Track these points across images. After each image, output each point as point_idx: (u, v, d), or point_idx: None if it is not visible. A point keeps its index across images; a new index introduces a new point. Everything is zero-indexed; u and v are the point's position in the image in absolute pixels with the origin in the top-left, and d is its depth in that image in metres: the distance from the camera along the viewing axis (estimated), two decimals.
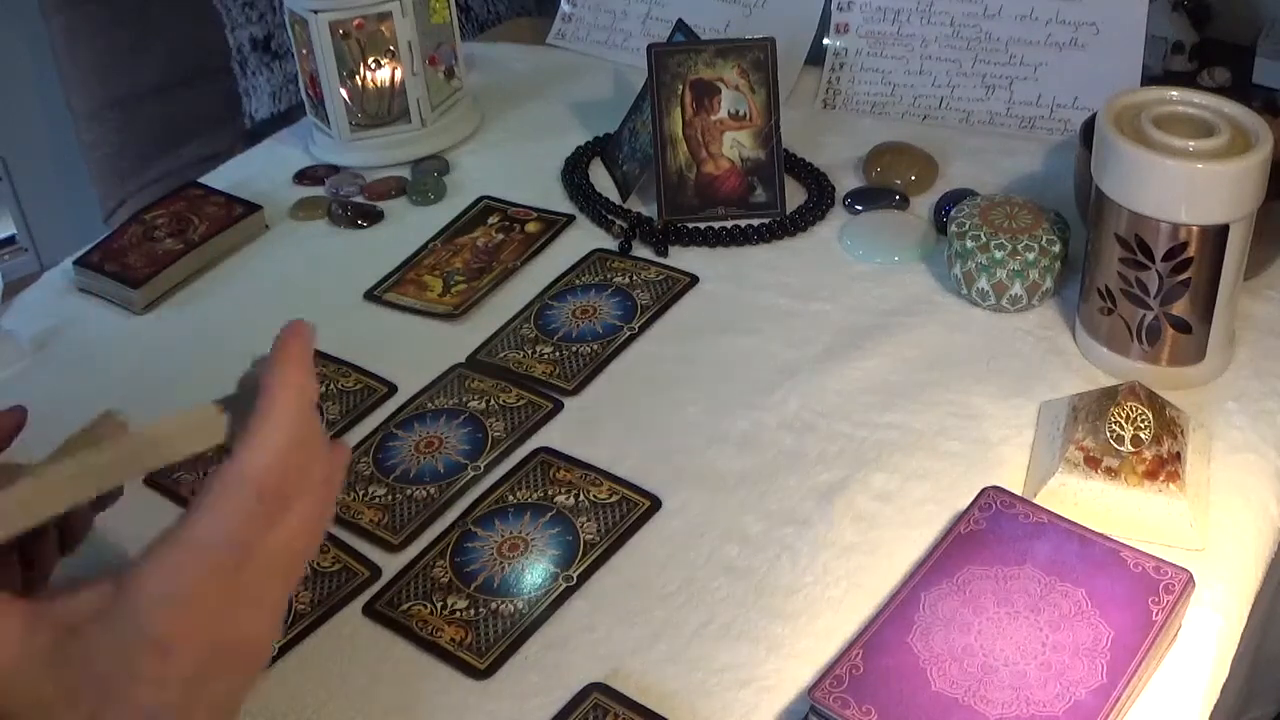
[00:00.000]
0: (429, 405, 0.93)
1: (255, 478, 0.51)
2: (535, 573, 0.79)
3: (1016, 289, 0.95)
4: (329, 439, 0.56)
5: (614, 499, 0.84)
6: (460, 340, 0.99)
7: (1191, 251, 0.83)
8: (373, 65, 1.20)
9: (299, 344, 0.54)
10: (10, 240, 1.92)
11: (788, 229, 1.08)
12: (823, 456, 0.86)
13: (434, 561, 0.81)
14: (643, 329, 0.99)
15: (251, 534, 0.51)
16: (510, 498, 0.85)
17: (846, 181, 1.14)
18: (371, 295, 1.06)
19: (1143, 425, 0.79)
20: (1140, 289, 0.86)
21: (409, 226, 1.15)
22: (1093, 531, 0.74)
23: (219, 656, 0.50)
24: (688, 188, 1.10)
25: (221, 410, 0.55)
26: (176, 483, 0.87)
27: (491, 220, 1.14)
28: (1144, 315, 0.87)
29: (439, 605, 0.78)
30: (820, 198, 1.11)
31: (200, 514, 0.50)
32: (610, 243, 1.09)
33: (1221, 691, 0.72)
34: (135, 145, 1.66)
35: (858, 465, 0.85)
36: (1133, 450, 0.78)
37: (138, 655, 0.48)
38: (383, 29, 1.18)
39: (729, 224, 1.09)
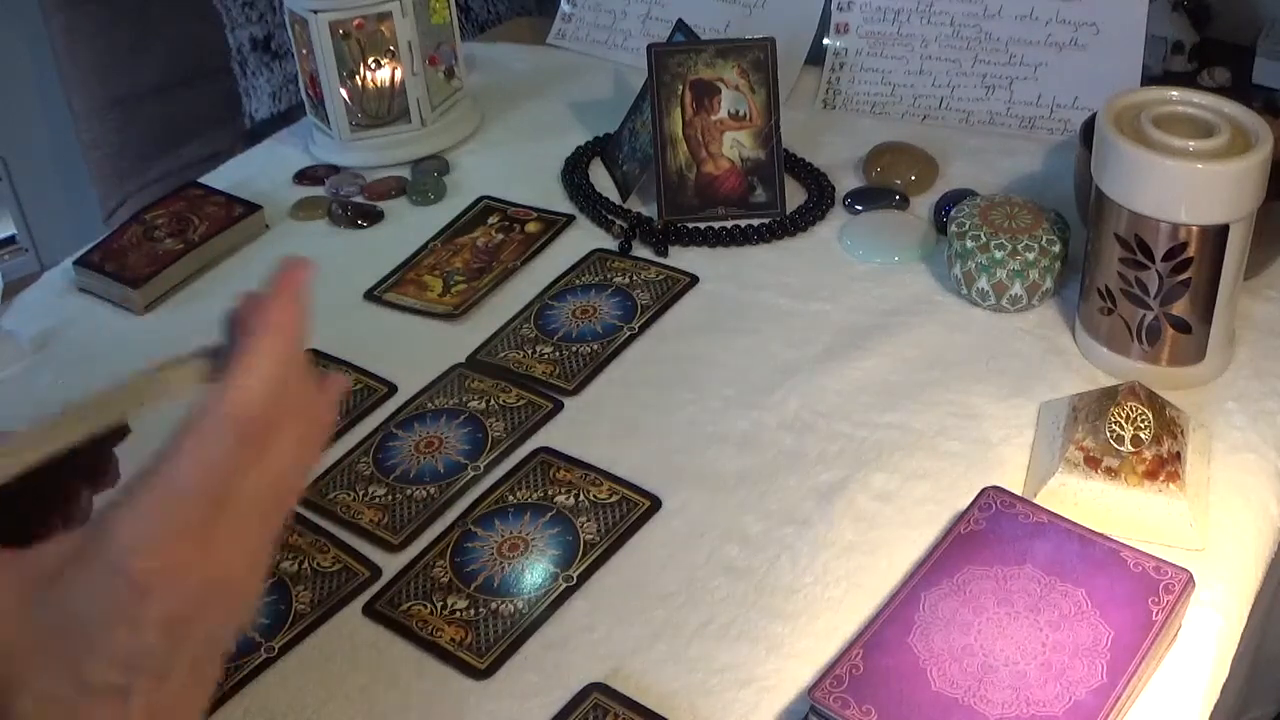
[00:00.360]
0: (429, 405, 0.93)
1: (234, 416, 0.50)
2: (535, 573, 0.79)
3: (1016, 289, 0.95)
4: (318, 375, 0.55)
5: (614, 499, 0.84)
6: (460, 340, 0.99)
7: (1191, 251, 0.83)
8: (373, 65, 1.20)
9: (290, 283, 0.54)
10: (10, 240, 1.92)
11: (788, 229, 1.08)
12: (823, 456, 0.86)
13: (434, 561, 0.81)
14: (643, 329, 0.99)
15: (230, 475, 0.50)
16: (510, 498, 0.85)
17: (846, 181, 1.14)
18: (371, 295, 1.06)
19: (1143, 425, 0.79)
20: (1140, 289, 0.86)
21: (409, 226, 1.15)
22: (1093, 531, 0.74)
23: (200, 599, 0.49)
24: (688, 188, 1.10)
25: (204, 358, 0.54)
26: None
27: (491, 220, 1.14)
28: (1144, 315, 0.87)
29: (439, 605, 0.78)
30: (820, 198, 1.11)
31: (179, 454, 0.49)
32: (610, 243, 1.09)
33: (1221, 691, 0.72)
34: (135, 145, 1.66)
35: (858, 465, 0.85)
36: (1133, 450, 0.78)
37: (115, 598, 0.47)
38: (383, 29, 1.18)
39: (729, 224, 1.08)
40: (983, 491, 0.77)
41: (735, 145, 1.10)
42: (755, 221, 1.09)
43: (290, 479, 0.53)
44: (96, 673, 0.47)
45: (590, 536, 0.81)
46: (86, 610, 0.47)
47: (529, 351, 0.97)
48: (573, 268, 1.06)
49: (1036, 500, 0.78)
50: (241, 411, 0.50)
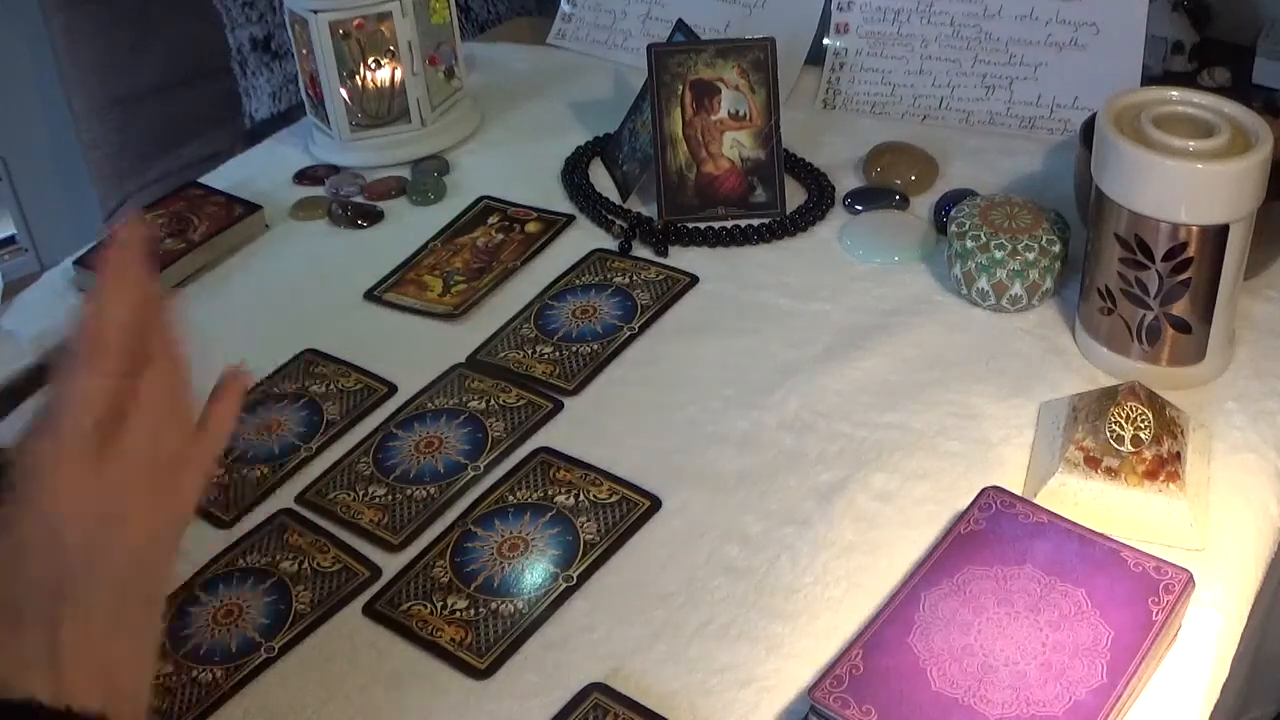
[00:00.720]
0: (429, 405, 0.93)
1: (90, 340, 0.55)
2: (535, 573, 0.79)
3: (1016, 289, 0.95)
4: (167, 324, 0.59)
5: (614, 499, 0.84)
6: (460, 340, 0.99)
7: (1191, 251, 0.83)
8: (373, 65, 1.20)
9: (120, 233, 0.58)
10: (10, 240, 1.92)
11: (788, 229, 1.08)
12: (823, 456, 0.86)
13: (434, 561, 0.81)
14: (643, 329, 0.99)
15: (101, 395, 0.55)
16: (510, 498, 0.85)
17: (846, 181, 1.14)
18: (371, 295, 1.06)
19: (1143, 425, 0.79)
20: (1140, 289, 0.86)
21: (409, 226, 1.15)
22: (1093, 531, 0.74)
23: (106, 530, 0.54)
24: (688, 188, 1.10)
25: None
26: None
27: (491, 220, 1.14)
28: (1144, 315, 0.87)
29: (439, 605, 0.78)
30: (820, 198, 1.11)
31: (55, 398, 0.55)
32: (610, 243, 1.09)
33: (1221, 691, 0.72)
34: (135, 145, 1.66)
35: (858, 465, 0.85)
36: (1133, 450, 0.78)
37: (30, 534, 0.53)
38: (383, 29, 1.18)
39: (729, 224, 1.09)
40: (983, 491, 0.77)
41: (735, 145, 1.10)
42: (755, 221, 1.09)
43: (174, 428, 0.57)
44: (22, 597, 0.52)
45: (590, 536, 0.81)
46: (11, 556, 0.52)
47: (529, 351, 0.97)
48: (573, 268, 1.06)
49: (1036, 500, 0.78)
50: (96, 335, 0.55)
